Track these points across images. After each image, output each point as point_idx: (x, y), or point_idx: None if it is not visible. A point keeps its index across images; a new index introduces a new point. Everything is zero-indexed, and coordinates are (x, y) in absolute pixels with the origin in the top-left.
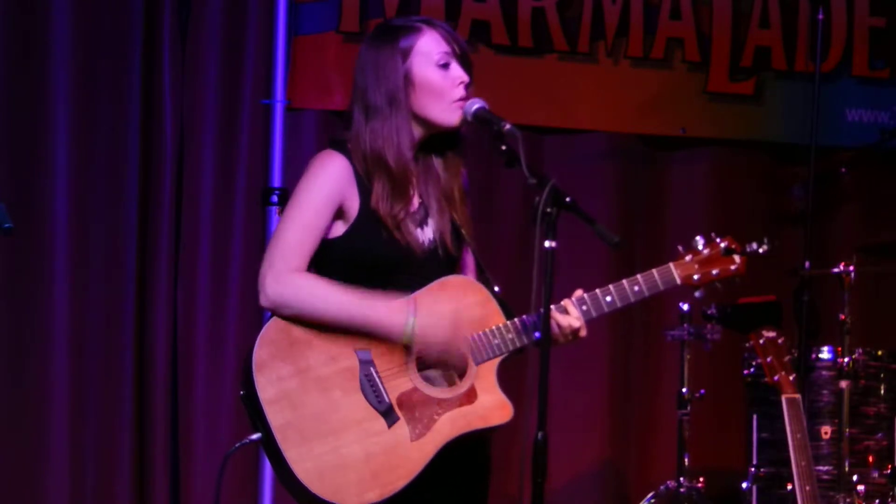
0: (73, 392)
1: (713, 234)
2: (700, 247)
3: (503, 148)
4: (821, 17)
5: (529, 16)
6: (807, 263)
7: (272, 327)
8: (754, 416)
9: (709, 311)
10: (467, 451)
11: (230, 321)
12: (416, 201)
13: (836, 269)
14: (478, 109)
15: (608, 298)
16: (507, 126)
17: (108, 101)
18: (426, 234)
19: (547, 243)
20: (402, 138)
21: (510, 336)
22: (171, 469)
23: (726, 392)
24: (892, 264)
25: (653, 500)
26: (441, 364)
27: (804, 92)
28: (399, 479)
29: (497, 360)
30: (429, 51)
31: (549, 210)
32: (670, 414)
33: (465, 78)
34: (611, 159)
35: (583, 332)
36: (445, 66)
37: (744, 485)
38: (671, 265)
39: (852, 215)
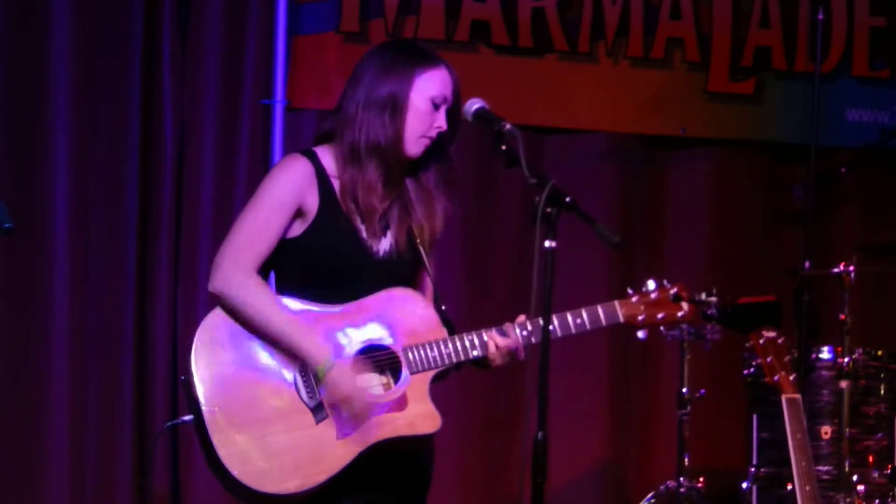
0: (73, 392)
1: (664, 281)
2: (649, 289)
3: (503, 148)
4: (821, 17)
5: (529, 16)
6: (807, 263)
7: (217, 314)
8: (754, 416)
9: (709, 311)
10: (399, 459)
11: None
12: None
13: (836, 269)
14: (478, 109)
15: (550, 328)
16: (507, 126)
17: (108, 101)
18: (382, 245)
19: (547, 243)
20: (399, 140)
21: (447, 351)
22: (171, 469)
23: (726, 392)
24: (892, 264)
25: (653, 500)
26: (336, 409)
27: (804, 92)
28: (321, 473)
29: (432, 373)
30: (432, 85)
31: (549, 210)
32: (670, 414)
33: (444, 128)
34: (611, 159)
35: (520, 355)
36: (437, 107)
37: (744, 485)
38: (616, 303)
39: (852, 215)
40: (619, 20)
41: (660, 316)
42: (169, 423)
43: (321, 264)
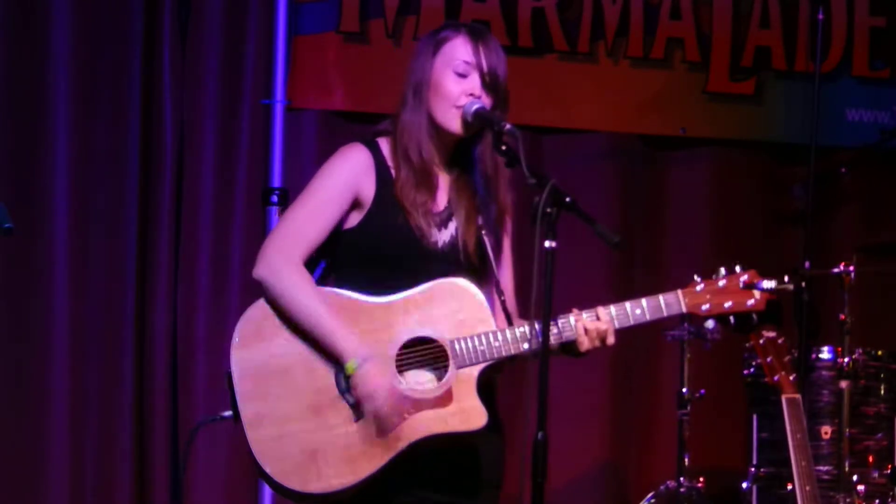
0: (73, 392)
1: (737, 267)
2: (717, 277)
3: (503, 148)
4: (821, 17)
5: (529, 16)
6: (807, 263)
7: (259, 306)
8: (754, 416)
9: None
10: (455, 457)
11: (230, 321)
12: (441, 204)
13: (836, 269)
14: (478, 109)
15: (609, 318)
16: (507, 126)
17: (108, 100)
18: (443, 236)
19: (547, 243)
20: (422, 135)
21: (497, 344)
22: (171, 469)
23: (726, 392)
24: (892, 264)
25: (653, 500)
26: (361, 408)
27: (804, 92)
28: (358, 472)
29: (480, 367)
30: (452, 56)
31: (549, 210)
32: (670, 414)
33: (476, 92)
34: (611, 159)
35: (611, 340)
36: (462, 75)
37: (744, 485)
38: (679, 292)
39: (852, 215)
40: (619, 20)
41: (727, 305)
42: (208, 419)
43: (377, 255)
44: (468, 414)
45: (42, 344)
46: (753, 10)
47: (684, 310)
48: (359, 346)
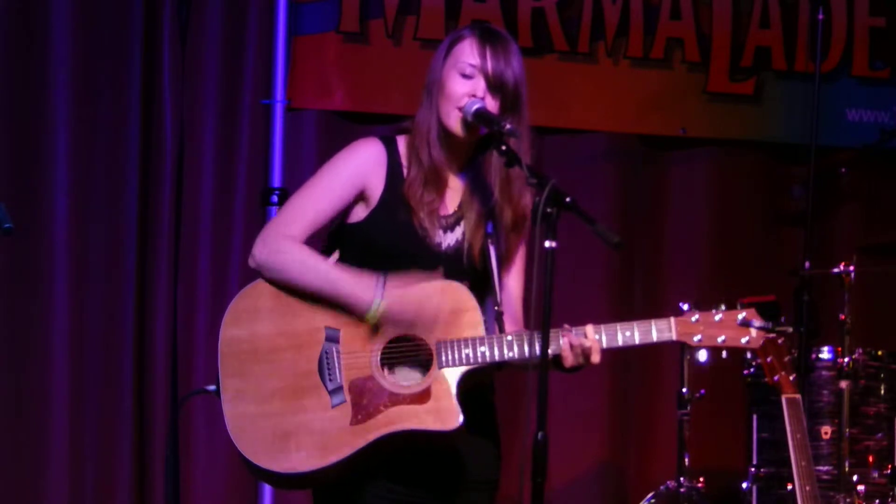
0: (73, 392)
1: (739, 303)
2: (715, 310)
3: (503, 148)
4: (821, 17)
5: (529, 16)
6: (807, 263)
7: (254, 286)
8: (754, 416)
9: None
10: (424, 456)
11: None
12: (451, 207)
13: (836, 269)
14: (478, 109)
15: (596, 337)
16: (507, 126)
17: (108, 100)
18: (448, 239)
19: (547, 243)
20: (432, 134)
21: (482, 350)
22: (171, 469)
23: (726, 392)
24: (892, 264)
25: (653, 500)
26: (409, 337)
27: (804, 92)
28: (323, 458)
29: (462, 369)
30: (458, 58)
31: (549, 210)
32: (670, 414)
33: (479, 93)
34: (611, 159)
35: (595, 358)
36: (468, 76)
37: (744, 485)
38: (672, 319)
39: (852, 215)
40: (619, 20)
41: (720, 339)
42: (194, 391)
43: (378, 251)
44: (442, 413)
45: (42, 344)
46: (753, 10)
47: (674, 338)
48: (369, 292)
